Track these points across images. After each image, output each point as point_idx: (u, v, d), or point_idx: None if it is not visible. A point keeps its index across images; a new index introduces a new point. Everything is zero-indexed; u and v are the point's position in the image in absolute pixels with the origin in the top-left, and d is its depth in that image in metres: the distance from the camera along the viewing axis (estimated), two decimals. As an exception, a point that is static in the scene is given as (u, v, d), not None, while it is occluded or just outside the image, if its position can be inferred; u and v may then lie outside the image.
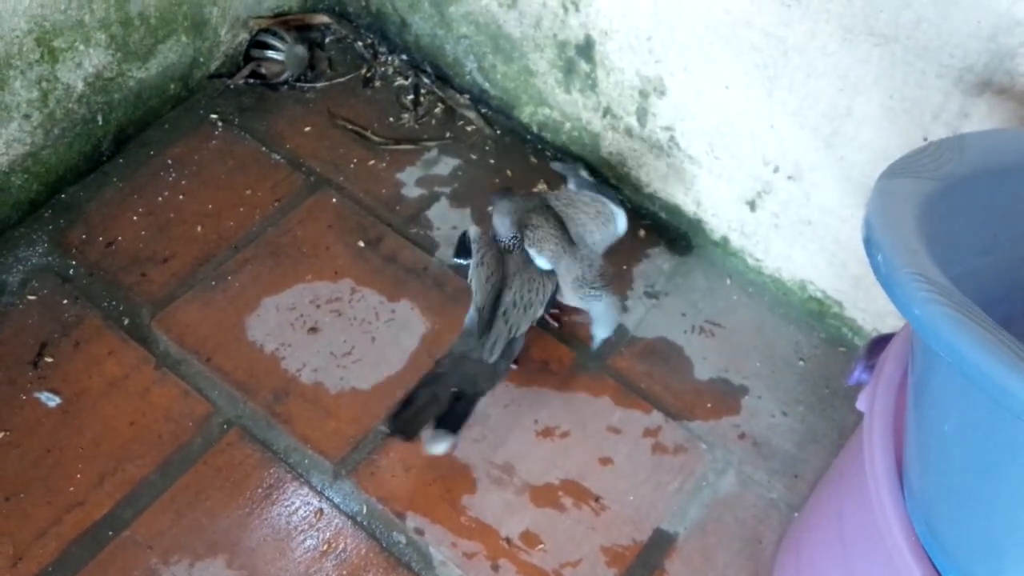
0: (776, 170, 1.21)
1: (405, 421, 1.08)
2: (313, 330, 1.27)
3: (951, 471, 0.66)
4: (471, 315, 1.17)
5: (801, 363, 1.28)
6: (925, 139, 1.03)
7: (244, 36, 1.52)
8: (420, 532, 1.11)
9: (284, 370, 1.23)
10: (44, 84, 1.28)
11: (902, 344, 0.82)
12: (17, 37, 1.21)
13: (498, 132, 1.50)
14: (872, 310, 1.24)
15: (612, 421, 1.21)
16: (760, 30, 1.09)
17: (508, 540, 1.11)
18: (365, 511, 1.13)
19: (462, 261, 1.22)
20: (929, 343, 0.56)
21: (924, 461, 0.70)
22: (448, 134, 1.50)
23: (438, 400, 1.09)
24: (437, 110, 1.53)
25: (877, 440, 0.75)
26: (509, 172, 1.45)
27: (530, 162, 1.47)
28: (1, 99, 1.23)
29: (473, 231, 1.22)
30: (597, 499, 1.15)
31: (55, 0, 1.22)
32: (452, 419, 1.08)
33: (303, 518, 1.12)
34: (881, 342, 0.88)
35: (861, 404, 0.83)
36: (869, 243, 0.63)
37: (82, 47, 1.29)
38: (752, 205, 1.27)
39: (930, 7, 0.94)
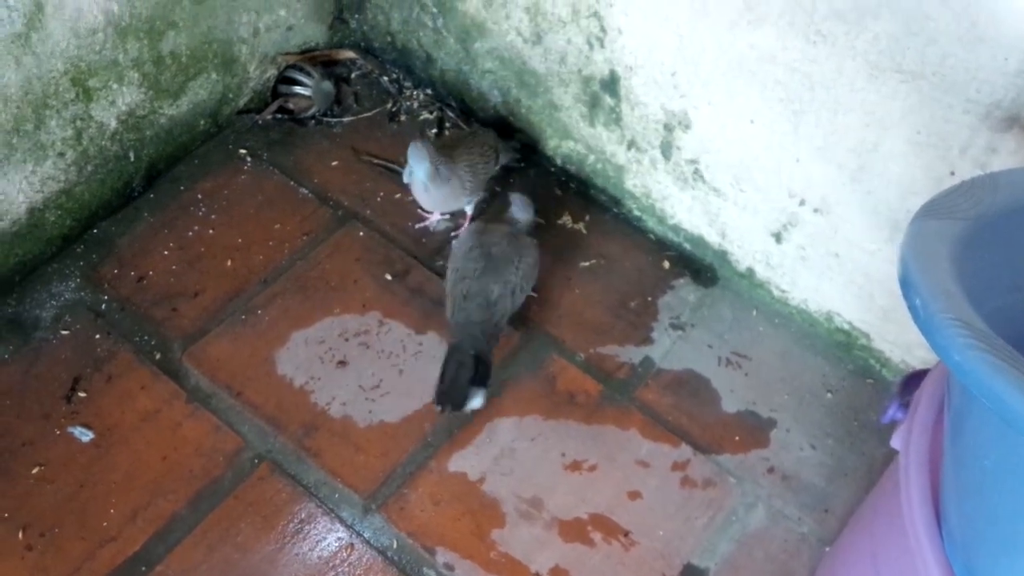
0: (802, 203, 1.21)
1: (449, 393, 1.20)
2: (342, 363, 1.28)
3: (991, 513, 0.66)
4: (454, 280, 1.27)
5: (829, 395, 1.27)
6: (952, 174, 1.04)
7: (272, 72, 1.54)
8: (450, 567, 1.11)
9: (314, 404, 1.24)
10: (78, 123, 1.30)
11: (936, 382, 0.82)
12: (54, 78, 1.23)
13: (523, 165, 1.51)
14: (900, 342, 1.24)
15: (640, 454, 1.21)
16: (785, 66, 1.10)
17: None
18: (395, 546, 1.14)
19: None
20: (969, 388, 0.56)
21: (963, 502, 0.69)
22: (473, 167, 1.51)
23: (465, 365, 1.21)
24: (462, 143, 1.54)
25: (914, 480, 0.75)
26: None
27: (555, 194, 1.48)
28: (37, 138, 1.26)
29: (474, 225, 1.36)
30: (626, 534, 1.15)
31: (91, 41, 1.25)
32: (480, 377, 1.21)
33: (334, 553, 1.13)
34: (915, 379, 0.88)
35: (896, 443, 0.83)
36: (906, 286, 0.63)
37: (115, 86, 1.32)
38: (778, 237, 1.28)
39: (956, 43, 0.95)
